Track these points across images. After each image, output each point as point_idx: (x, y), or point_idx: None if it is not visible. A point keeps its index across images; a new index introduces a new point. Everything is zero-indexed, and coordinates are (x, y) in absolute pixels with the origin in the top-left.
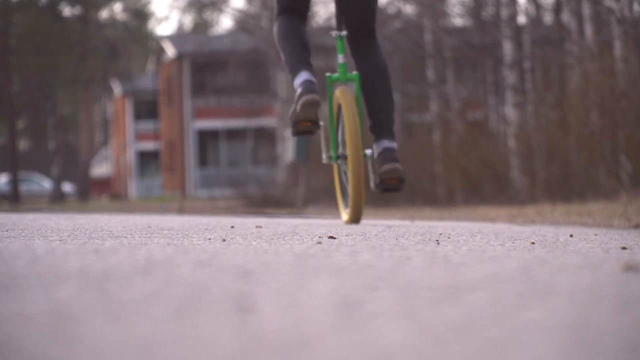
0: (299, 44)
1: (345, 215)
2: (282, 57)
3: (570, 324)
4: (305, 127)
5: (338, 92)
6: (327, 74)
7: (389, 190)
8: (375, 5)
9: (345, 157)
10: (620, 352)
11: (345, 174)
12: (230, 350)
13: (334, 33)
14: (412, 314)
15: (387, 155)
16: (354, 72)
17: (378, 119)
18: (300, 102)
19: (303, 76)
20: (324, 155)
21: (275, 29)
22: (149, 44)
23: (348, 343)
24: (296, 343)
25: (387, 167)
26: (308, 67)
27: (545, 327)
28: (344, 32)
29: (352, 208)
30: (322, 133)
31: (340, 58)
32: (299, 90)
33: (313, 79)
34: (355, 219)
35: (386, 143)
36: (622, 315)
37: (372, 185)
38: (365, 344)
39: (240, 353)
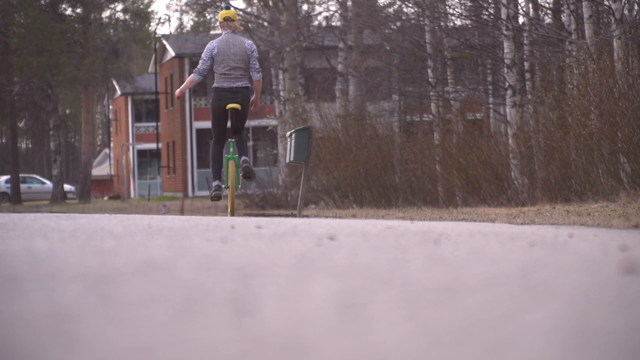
0: (219, 163)
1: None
2: (211, 165)
3: (570, 327)
4: (215, 200)
5: (230, 163)
6: (226, 155)
7: (247, 178)
8: (246, 117)
9: (227, 187)
10: (619, 356)
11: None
12: (231, 352)
13: (230, 139)
14: (411, 317)
15: (244, 162)
16: (235, 155)
17: (240, 155)
18: (212, 193)
19: (216, 182)
20: (223, 186)
21: (211, 149)
22: (149, 44)
23: (347, 346)
24: (296, 346)
25: (244, 165)
26: (219, 177)
27: (544, 330)
28: (234, 139)
29: (230, 208)
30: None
31: (232, 149)
32: (213, 187)
33: (221, 184)
34: (231, 214)
35: (244, 158)
36: (621, 319)
37: (239, 186)
38: (365, 348)
39: (240, 355)
